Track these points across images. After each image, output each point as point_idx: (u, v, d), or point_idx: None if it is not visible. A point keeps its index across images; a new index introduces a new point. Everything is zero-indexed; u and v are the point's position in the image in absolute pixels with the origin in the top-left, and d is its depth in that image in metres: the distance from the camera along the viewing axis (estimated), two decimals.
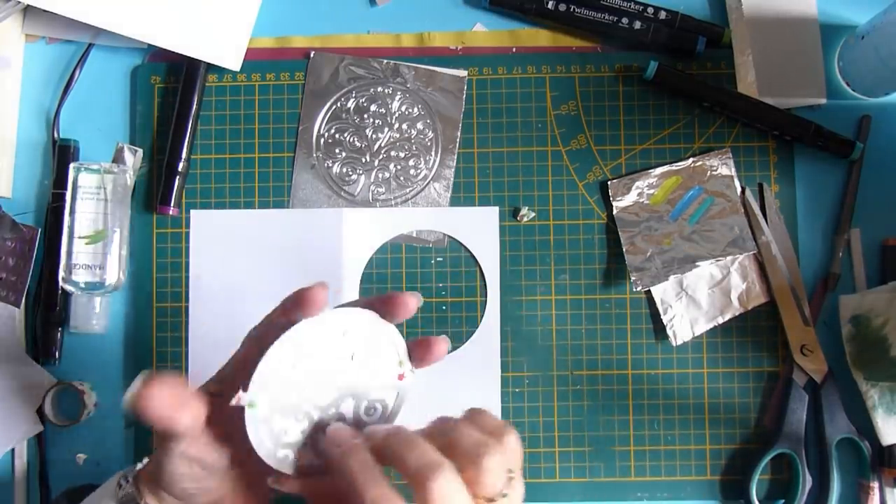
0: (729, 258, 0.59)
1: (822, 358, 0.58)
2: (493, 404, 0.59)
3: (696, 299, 0.59)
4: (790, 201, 0.60)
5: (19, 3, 0.59)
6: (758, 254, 0.59)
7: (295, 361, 0.37)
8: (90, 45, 0.62)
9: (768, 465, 0.58)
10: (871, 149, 0.60)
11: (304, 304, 0.37)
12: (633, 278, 0.59)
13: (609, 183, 0.60)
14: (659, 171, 0.60)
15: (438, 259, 0.61)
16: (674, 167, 0.60)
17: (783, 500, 0.58)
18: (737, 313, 0.59)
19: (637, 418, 0.59)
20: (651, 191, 0.59)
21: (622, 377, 0.59)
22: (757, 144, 0.60)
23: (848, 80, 0.60)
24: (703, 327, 0.59)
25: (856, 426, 0.57)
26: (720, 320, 0.59)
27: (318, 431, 0.38)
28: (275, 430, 0.37)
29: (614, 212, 0.60)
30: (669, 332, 0.59)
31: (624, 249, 0.59)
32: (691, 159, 0.60)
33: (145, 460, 0.43)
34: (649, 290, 0.59)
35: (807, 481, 0.57)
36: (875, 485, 0.57)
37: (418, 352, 0.41)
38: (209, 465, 0.40)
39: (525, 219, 0.60)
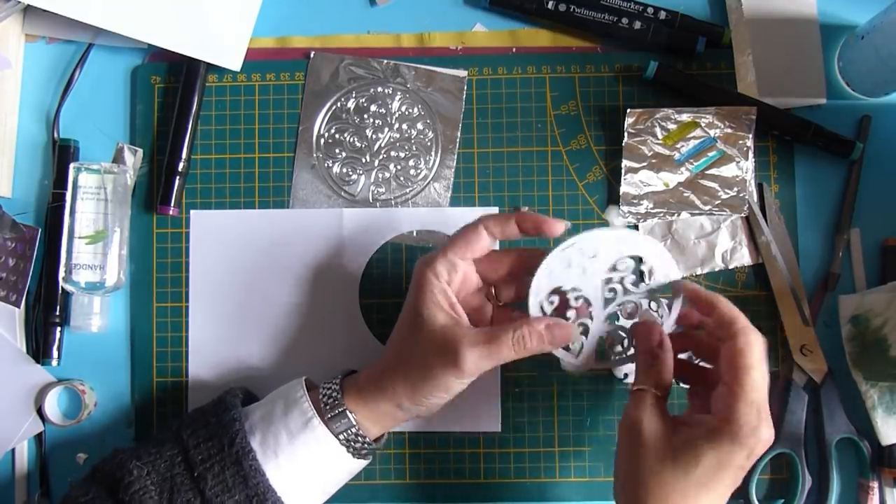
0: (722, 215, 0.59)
1: (821, 358, 0.58)
2: (493, 404, 0.59)
3: (680, 245, 0.60)
4: (790, 201, 0.60)
5: (19, 3, 0.59)
6: (757, 251, 0.59)
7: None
8: (90, 45, 0.62)
9: (768, 464, 0.58)
10: (871, 149, 0.60)
11: (542, 228, 0.49)
12: (623, 209, 0.59)
13: (629, 110, 0.59)
14: (684, 116, 0.59)
15: None
16: (698, 114, 0.59)
17: (783, 500, 0.58)
18: (717, 269, 0.59)
19: None
20: (667, 130, 0.59)
21: None
22: (757, 144, 0.60)
23: (848, 80, 0.60)
24: (680, 273, 0.59)
25: (855, 426, 0.57)
26: (699, 271, 0.59)
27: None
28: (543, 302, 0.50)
29: (624, 140, 0.59)
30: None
31: (622, 178, 0.59)
32: (715, 108, 0.59)
33: (338, 378, 0.51)
34: None
35: (806, 481, 0.57)
36: (875, 485, 0.57)
37: None
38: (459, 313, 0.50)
39: None
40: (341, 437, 0.49)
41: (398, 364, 0.50)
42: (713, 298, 0.48)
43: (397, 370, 0.49)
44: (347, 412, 0.49)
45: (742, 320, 0.46)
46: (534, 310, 0.50)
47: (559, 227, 0.49)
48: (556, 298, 0.50)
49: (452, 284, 0.50)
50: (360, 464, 0.52)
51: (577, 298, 0.50)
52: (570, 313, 0.50)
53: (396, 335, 0.51)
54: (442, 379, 0.48)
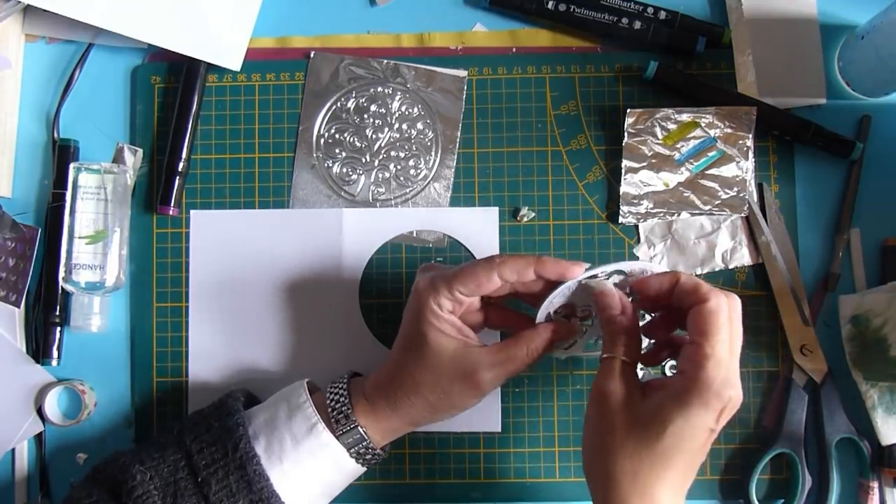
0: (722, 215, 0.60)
1: (821, 358, 0.58)
2: (493, 404, 0.59)
3: (680, 245, 0.60)
4: (790, 201, 0.60)
5: (19, 3, 0.59)
6: (756, 250, 0.59)
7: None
8: (90, 45, 0.62)
9: (768, 464, 0.58)
10: (871, 149, 0.60)
11: (565, 275, 0.47)
12: (622, 210, 0.59)
13: (629, 110, 0.59)
14: (684, 116, 0.59)
15: (438, 259, 0.61)
16: (698, 114, 0.59)
17: (783, 500, 0.58)
18: (717, 269, 0.60)
19: None
20: (667, 130, 0.59)
21: None
22: (757, 144, 0.60)
23: (848, 80, 0.60)
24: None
25: (855, 426, 0.57)
26: (699, 271, 0.59)
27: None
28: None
29: (624, 140, 0.59)
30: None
31: (622, 178, 0.59)
32: (715, 108, 0.59)
33: (344, 377, 0.52)
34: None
35: (806, 481, 0.57)
36: (875, 485, 0.57)
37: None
38: (462, 327, 0.50)
39: (525, 219, 0.60)
40: (352, 451, 0.50)
41: (412, 385, 0.49)
42: (671, 276, 0.46)
43: (413, 392, 0.49)
44: (359, 428, 0.50)
45: (705, 286, 0.44)
46: (541, 317, 0.50)
47: (579, 269, 0.47)
48: (563, 310, 0.50)
49: (455, 313, 0.50)
50: (364, 468, 0.52)
51: (584, 309, 0.51)
52: (574, 321, 0.51)
53: (405, 355, 0.50)
54: (461, 401, 0.49)
